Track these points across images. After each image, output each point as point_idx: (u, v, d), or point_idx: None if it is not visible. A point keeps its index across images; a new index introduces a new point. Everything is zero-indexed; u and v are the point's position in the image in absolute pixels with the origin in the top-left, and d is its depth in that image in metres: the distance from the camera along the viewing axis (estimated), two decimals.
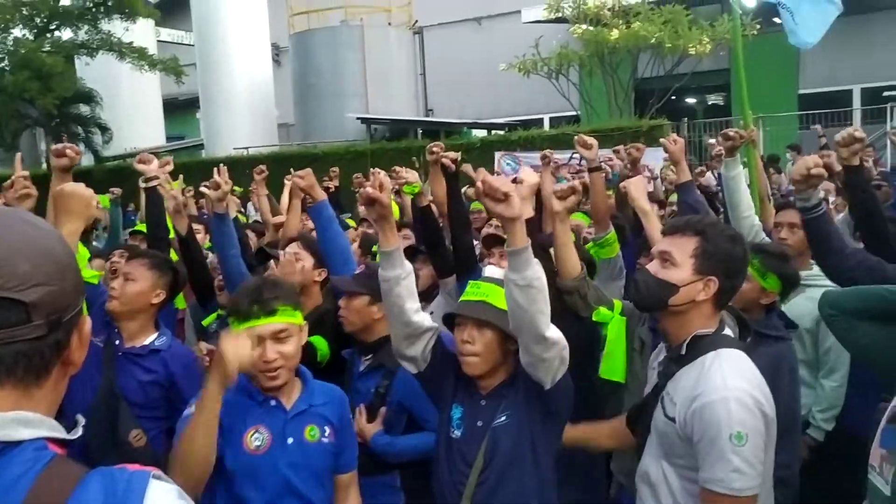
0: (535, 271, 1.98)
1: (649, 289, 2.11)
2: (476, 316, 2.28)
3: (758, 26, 16.15)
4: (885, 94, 17.31)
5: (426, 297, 3.93)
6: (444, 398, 2.40)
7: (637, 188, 2.90)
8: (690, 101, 23.48)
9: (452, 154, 4.01)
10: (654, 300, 2.12)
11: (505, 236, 2.14)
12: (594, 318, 2.85)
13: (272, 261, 3.63)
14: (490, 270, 2.55)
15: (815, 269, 3.22)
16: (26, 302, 0.91)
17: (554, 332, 2.08)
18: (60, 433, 0.96)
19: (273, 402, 2.29)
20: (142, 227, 6.19)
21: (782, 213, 3.77)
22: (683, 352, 2.05)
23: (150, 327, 3.15)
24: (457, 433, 2.34)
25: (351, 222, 7.04)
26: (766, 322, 2.94)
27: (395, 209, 5.53)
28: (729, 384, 1.89)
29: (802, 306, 3.27)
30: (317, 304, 3.32)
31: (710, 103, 23.98)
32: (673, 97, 18.10)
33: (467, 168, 6.84)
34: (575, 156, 14.95)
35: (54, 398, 0.99)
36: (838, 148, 2.91)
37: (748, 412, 1.86)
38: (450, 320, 2.43)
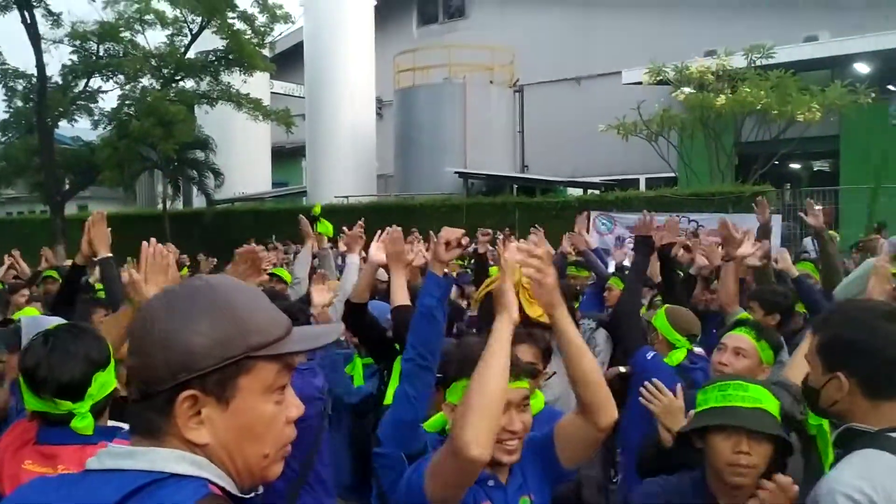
0: None
1: (804, 395, 2.02)
2: (762, 429, 2.05)
3: (872, 94, 15.63)
4: None
5: None
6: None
7: None
8: (795, 166, 22.75)
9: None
10: (812, 406, 2.03)
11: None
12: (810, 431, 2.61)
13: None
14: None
15: None
16: (128, 367, 1.12)
17: None
18: (226, 484, 1.10)
19: (491, 483, 2.04)
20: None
21: None
22: (838, 446, 1.91)
23: None
24: None
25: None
26: None
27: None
28: (843, 478, 1.73)
29: None
30: None
31: (815, 169, 23.17)
32: (776, 162, 17.61)
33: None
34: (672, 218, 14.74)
35: (220, 457, 1.11)
36: None
37: None
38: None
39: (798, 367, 2.49)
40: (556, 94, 24.62)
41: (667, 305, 3.87)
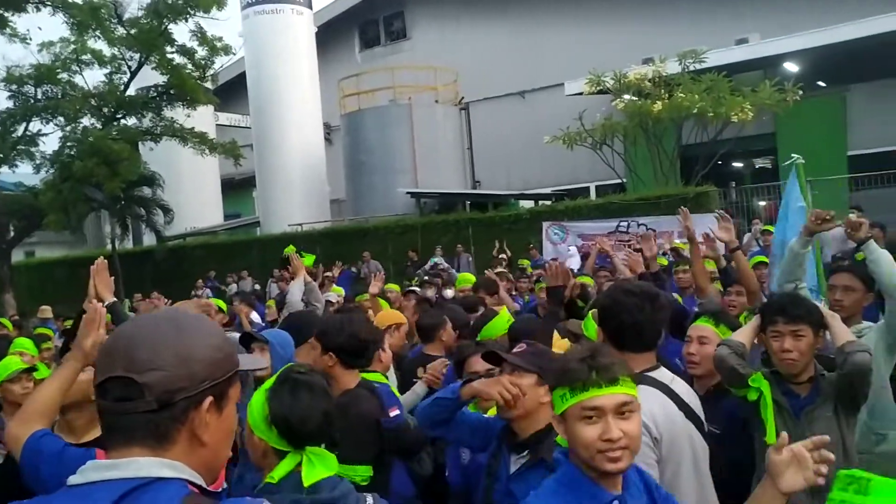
0: None
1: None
2: None
3: (800, 91, 16.22)
4: None
5: None
6: None
7: None
8: (737, 165, 23.43)
9: None
10: None
11: None
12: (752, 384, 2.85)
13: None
14: None
15: (864, 323, 3.66)
16: (140, 382, 1.19)
17: None
18: (201, 482, 1.23)
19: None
20: None
21: (836, 276, 3.85)
22: None
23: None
24: None
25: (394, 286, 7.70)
26: None
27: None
28: None
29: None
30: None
31: (757, 167, 23.87)
32: (719, 162, 18.09)
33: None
34: (622, 224, 15.06)
35: (198, 463, 1.24)
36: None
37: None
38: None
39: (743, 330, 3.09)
40: (502, 109, 24.95)
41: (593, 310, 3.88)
